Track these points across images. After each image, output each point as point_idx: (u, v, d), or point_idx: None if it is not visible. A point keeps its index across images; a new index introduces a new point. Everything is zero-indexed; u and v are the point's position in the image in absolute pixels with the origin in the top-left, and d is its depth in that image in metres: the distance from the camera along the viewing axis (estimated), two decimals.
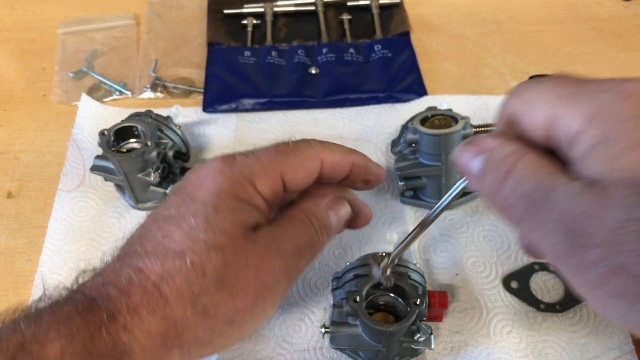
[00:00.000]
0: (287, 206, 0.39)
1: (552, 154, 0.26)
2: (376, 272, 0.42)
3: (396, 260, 0.42)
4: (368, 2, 0.83)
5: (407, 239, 0.40)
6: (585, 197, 0.23)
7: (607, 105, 0.23)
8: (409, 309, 0.42)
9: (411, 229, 0.42)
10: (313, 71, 0.74)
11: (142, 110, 0.61)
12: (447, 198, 0.35)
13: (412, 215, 0.60)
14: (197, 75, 0.75)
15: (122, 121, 0.58)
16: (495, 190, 0.27)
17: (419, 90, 0.72)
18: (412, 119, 0.59)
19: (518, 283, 0.54)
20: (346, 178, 0.40)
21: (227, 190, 0.33)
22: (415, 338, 0.44)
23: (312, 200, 0.38)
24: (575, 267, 0.23)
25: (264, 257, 0.32)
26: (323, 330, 0.46)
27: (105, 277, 0.32)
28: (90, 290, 0.31)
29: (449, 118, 0.56)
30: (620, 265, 0.21)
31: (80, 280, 0.33)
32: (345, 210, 0.39)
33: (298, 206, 0.37)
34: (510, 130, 0.28)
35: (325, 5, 0.83)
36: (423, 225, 0.38)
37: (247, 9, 0.82)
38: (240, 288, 0.31)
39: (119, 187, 0.61)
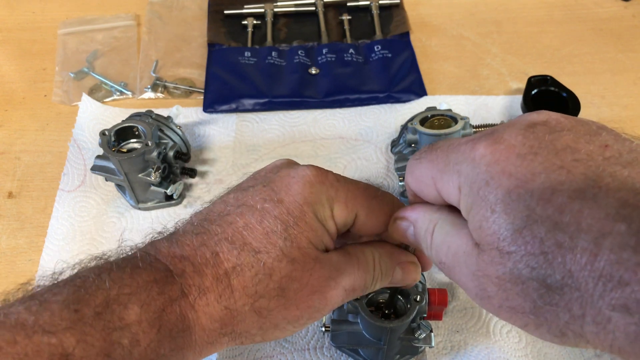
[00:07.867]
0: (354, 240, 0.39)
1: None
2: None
3: None
4: (368, 3, 0.83)
5: None
6: (476, 258, 0.27)
7: (465, 176, 0.28)
8: (409, 305, 0.43)
9: None
10: (313, 71, 0.74)
11: (143, 110, 0.61)
12: None
13: None
14: (198, 75, 0.75)
15: (123, 121, 0.58)
16: (428, 254, 0.33)
17: (419, 90, 0.72)
18: (411, 119, 0.59)
19: None
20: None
21: (311, 205, 0.34)
22: (416, 335, 0.44)
23: (390, 249, 0.38)
24: (492, 310, 0.28)
25: (324, 282, 0.34)
26: (323, 328, 0.46)
27: (182, 249, 0.34)
28: (167, 259, 0.33)
29: (449, 118, 0.57)
30: (514, 306, 0.26)
31: (152, 241, 0.35)
32: (412, 277, 0.39)
33: (373, 246, 0.38)
34: (420, 199, 0.33)
35: (325, 5, 0.83)
36: None
37: (248, 9, 0.82)
38: (294, 302, 0.34)
39: (119, 187, 0.61)
